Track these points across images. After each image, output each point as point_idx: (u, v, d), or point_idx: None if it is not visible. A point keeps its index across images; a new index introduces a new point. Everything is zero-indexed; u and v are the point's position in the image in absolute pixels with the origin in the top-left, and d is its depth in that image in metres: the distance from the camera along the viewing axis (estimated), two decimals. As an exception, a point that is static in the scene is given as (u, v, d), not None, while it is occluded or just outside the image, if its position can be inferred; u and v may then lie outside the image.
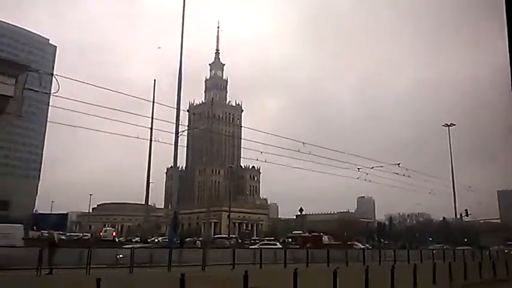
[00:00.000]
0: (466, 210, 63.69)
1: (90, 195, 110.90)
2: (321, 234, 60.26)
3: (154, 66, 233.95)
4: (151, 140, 32.68)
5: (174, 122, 33.18)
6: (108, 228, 78.56)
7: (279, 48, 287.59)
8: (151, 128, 32.33)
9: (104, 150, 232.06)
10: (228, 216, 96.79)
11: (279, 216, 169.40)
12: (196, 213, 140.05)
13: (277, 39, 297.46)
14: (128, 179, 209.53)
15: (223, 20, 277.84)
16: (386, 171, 47.38)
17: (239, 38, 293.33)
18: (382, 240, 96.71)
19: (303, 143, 39.76)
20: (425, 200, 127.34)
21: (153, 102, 38.88)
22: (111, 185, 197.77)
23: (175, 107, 32.61)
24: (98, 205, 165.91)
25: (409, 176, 47.80)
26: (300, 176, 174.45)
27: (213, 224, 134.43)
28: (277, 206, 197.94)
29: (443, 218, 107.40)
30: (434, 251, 41.44)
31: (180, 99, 32.77)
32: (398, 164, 47.02)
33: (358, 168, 47.38)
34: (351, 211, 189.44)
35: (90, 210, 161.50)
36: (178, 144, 33.25)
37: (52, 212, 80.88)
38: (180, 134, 33.07)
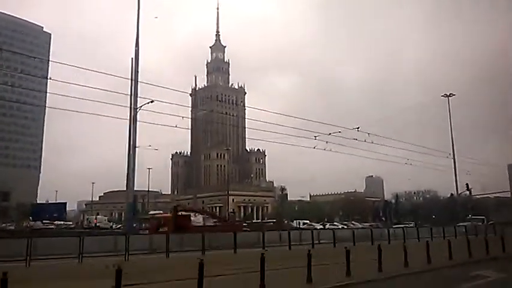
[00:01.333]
0: (467, 184, 60.56)
1: (93, 183, 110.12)
2: (191, 213, 47.19)
3: (155, 48, 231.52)
4: (130, 121, 30.45)
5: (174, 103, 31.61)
6: (90, 217, 76.50)
7: (289, 28, 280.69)
8: (130, 107, 30.11)
9: (105, 137, 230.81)
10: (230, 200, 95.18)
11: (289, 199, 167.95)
12: (201, 197, 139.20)
13: (288, 18, 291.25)
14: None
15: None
16: (394, 148, 44.52)
17: (247, 18, 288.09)
18: (385, 218, 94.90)
19: (313, 121, 37.84)
20: (432, 177, 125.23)
21: (133, 80, 36.60)
22: (118, 172, 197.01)
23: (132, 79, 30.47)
24: (104, 193, 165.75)
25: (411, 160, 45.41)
26: (309, 159, 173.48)
27: (217, 208, 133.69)
28: (286, 189, 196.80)
29: (451, 194, 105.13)
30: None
31: (137, 72, 30.77)
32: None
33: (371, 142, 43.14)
34: (359, 191, 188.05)
35: (97, 199, 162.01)
36: (184, 128, 31.14)
37: (51, 202, 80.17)
38: (138, 109, 31.05)
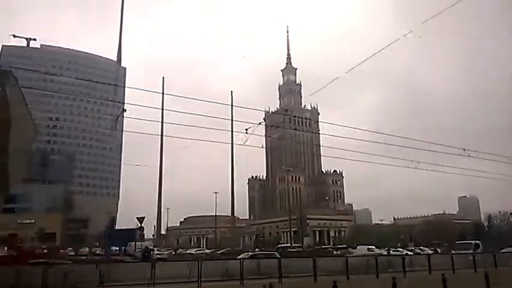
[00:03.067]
0: None
1: (168, 209, 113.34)
2: None
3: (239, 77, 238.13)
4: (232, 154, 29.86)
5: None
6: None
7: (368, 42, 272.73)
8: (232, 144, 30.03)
9: (190, 164, 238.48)
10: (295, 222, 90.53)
11: (374, 223, 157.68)
12: (275, 222, 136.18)
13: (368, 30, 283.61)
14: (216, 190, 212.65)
15: (305, 21, 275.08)
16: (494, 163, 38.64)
17: (323, 37, 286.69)
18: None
19: (398, 137, 34.77)
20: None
21: (232, 117, 37.54)
22: (200, 198, 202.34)
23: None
24: (184, 218, 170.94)
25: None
26: (394, 179, 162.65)
27: (292, 232, 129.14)
28: (370, 212, 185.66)
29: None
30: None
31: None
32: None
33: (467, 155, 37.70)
34: (451, 213, 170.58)
35: (177, 224, 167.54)
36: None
37: (123, 228, 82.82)
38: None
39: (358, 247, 55.13)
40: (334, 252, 57.08)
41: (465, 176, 43.40)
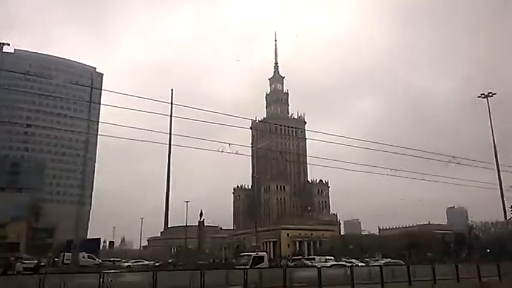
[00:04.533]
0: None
1: (142, 218, 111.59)
2: None
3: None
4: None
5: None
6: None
7: (359, 49, 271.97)
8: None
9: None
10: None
11: (364, 233, 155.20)
12: (259, 232, 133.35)
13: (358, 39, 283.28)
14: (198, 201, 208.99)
15: (300, 26, 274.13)
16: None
17: (315, 44, 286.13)
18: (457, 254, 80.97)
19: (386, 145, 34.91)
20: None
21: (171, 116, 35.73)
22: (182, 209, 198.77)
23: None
24: (164, 229, 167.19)
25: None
26: (384, 189, 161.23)
27: (271, 243, 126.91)
28: (359, 222, 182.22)
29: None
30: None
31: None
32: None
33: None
34: (440, 223, 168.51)
35: (159, 234, 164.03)
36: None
37: (89, 238, 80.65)
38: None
39: (316, 258, 53.40)
40: (289, 263, 55.35)
41: (455, 186, 44.21)
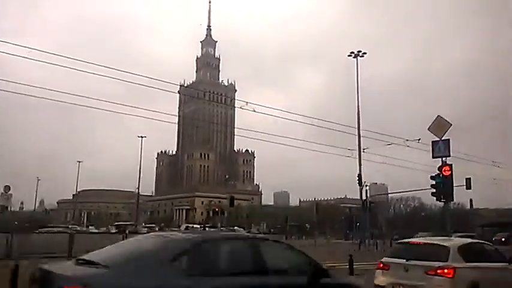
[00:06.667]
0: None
1: (38, 178, 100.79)
2: None
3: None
4: None
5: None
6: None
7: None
8: None
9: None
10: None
11: (291, 205, 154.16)
12: (173, 199, 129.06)
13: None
14: (118, 164, 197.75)
15: None
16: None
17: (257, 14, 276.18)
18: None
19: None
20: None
21: None
22: (99, 170, 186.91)
23: None
24: (78, 192, 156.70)
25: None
26: (316, 164, 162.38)
27: (184, 210, 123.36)
28: (288, 194, 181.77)
29: (444, 203, 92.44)
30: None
31: None
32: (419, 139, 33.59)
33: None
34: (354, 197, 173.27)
35: (71, 197, 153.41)
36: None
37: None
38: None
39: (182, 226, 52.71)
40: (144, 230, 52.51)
41: (382, 164, 44.02)
